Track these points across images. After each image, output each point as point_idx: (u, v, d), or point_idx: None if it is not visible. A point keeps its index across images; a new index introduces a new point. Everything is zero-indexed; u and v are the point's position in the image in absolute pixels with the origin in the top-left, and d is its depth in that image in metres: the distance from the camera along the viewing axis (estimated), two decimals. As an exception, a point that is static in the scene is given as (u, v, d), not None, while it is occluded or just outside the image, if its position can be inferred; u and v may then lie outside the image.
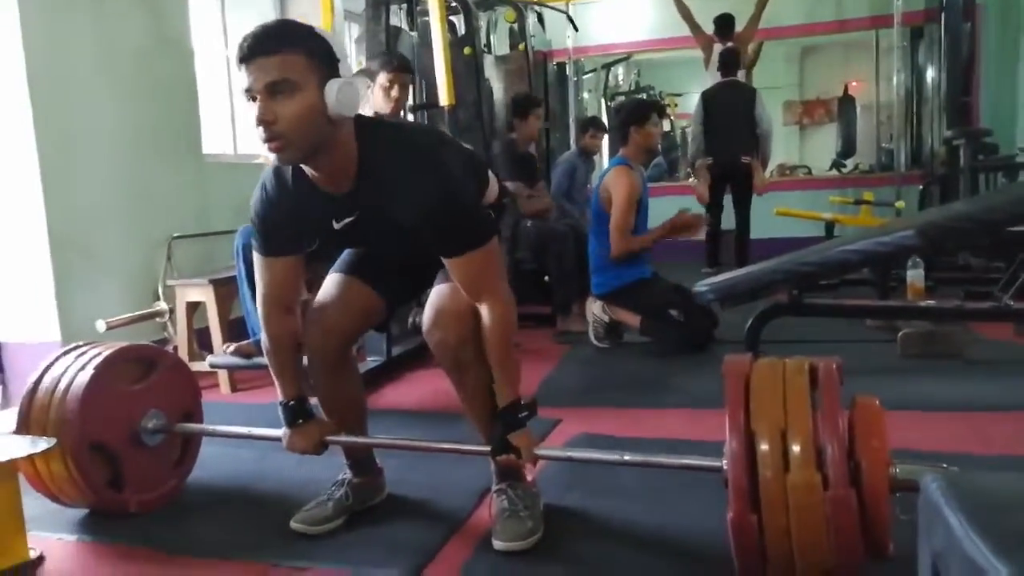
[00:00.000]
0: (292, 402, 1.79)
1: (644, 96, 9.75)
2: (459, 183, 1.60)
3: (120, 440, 1.97)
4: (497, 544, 1.70)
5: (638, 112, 3.67)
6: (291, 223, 1.64)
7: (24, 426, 1.90)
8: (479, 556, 1.69)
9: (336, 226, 1.65)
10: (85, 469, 1.87)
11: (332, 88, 1.44)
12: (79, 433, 1.86)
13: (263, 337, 1.78)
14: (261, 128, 1.46)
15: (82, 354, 2.00)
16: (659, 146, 3.78)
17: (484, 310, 1.64)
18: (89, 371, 1.91)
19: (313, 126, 1.46)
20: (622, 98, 9.58)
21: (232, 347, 2.93)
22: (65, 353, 2.02)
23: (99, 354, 1.98)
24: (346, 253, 1.90)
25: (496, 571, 1.63)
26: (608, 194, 3.57)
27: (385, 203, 1.58)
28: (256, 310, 2.89)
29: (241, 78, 1.45)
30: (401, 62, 3.22)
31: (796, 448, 1.29)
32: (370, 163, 1.56)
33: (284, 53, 1.42)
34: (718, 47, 6.06)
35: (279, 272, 1.72)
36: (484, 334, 1.65)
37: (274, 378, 1.79)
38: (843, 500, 1.24)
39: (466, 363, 1.69)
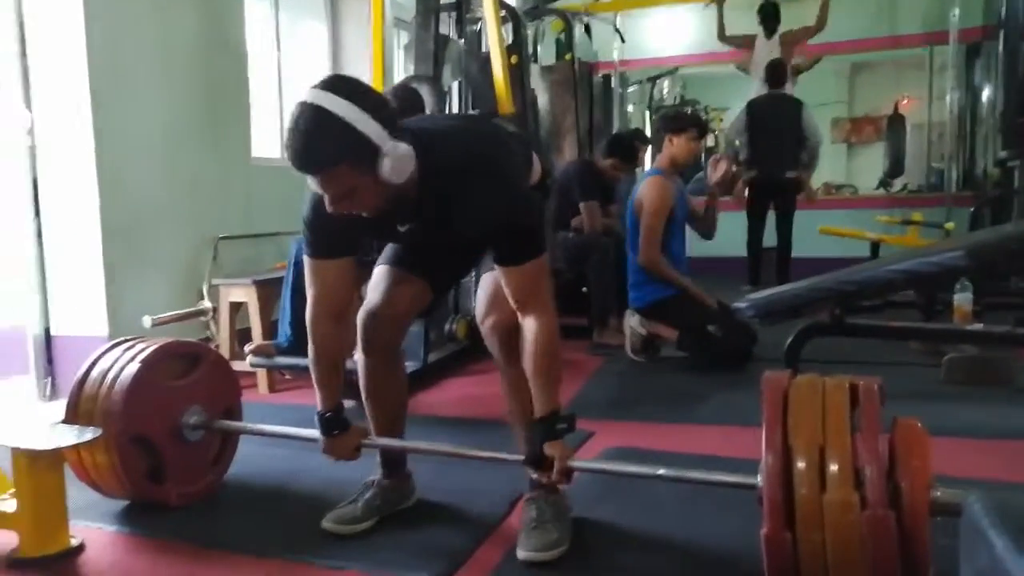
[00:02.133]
0: (329, 413, 1.81)
1: (689, 110, 9.72)
2: (519, 198, 1.63)
3: (162, 434, 2.01)
4: (520, 553, 1.70)
5: (676, 122, 3.65)
6: (348, 226, 1.61)
7: (72, 416, 1.96)
8: (508, 564, 1.69)
9: (401, 229, 1.70)
10: (127, 461, 1.92)
11: (385, 169, 1.46)
12: (123, 425, 1.91)
13: (310, 344, 1.78)
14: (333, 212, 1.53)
15: (129, 348, 2.05)
16: (690, 161, 3.70)
17: (528, 321, 1.66)
18: (135, 365, 1.97)
19: (382, 198, 1.53)
20: (666, 111, 9.57)
21: (252, 346, 2.99)
22: (113, 347, 2.08)
23: (145, 349, 2.03)
24: (390, 246, 1.94)
25: (525, 580, 1.63)
26: (641, 204, 3.57)
27: (447, 215, 1.62)
28: (289, 317, 2.97)
29: None
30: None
31: (834, 466, 1.27)
32: (431, 179, 1.58)
33: (327, 171, 1.45)
34: (762, 41, 6.00)
35: (330, 275, 1.73)
36: (525, 345, 1.67)
37: (315, 385, 1.81)
38: (881, 521, 1.21)
39: (517, 348, 1.71)
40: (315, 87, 1.45)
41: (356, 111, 1.43)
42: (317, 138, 1.42)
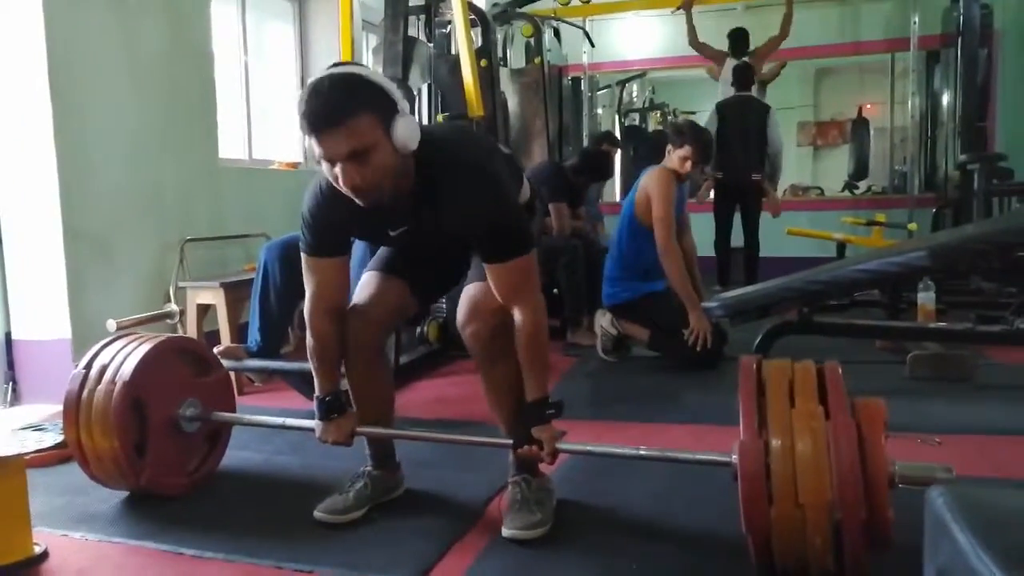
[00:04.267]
0: (329, 397, 1.88)
1: (658, 113, 9.80)
2: (509, 198, 1.70)
3: (158, 410, 2.05)
4: (505, 532, 1.78)
5: (677, 136, 3.55)
6: (344, 226, 1.70)
7: (83, 375, 2.00)
8: (480, 566, 1.69)
9: (392, 233, 1.76)
10: (122, 418, 1.93)
11: (399, 130, 1.52)
12: (128, 384, 1.94)
13: (309, 338, 1.83)
14: (345, 185, 1.55)
15: (139, 337, 2.12)
16: (682, 177, 3.61)
17: (517, 314, 1.74)
18: (158, 341, 2.06)
19: (391, 172, 1.57)
20: (635, 115, 9.63)
21: (221, 348, 2.95)
22: (119, 338, 2.13)
23: (167, 337, 2.17)
24: (382, 252, 1.99)
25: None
26: (646, 195, 3.51)
27: (439, 215, 1.67)
28: (259, 323, 2.95)
29: (313, 145, 1.52)
30: None
31: (801, 388, 1.43)
32: (426, 179, 1.64)
33: (351, 120, 1.48)
34: (731, 62, 6.07)
35: (327, 273, 1.79)
36: (516, 335, 1.74)
37: (314, 373, 1.87)
38: (844, 426, 1.33)
39: (496, 355, 1.79)
40: (327, 69, 1.53)
41: (372, 72, 1.53)
42: (341, 91, 1.48)
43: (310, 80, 1.51)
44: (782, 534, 1.37)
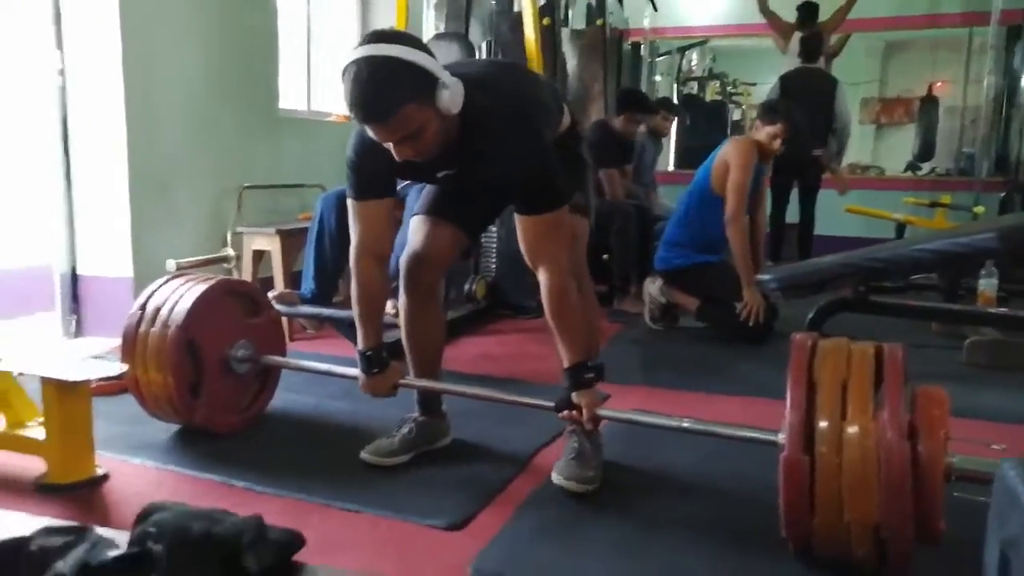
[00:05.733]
0: (370, 351, 1.88)
1: (717, 83, 9.58)
2: (547, 152, 1.68)
3: (211, 351, 2.11)
4: (556, 479, 1.82)
5: (768, 113, 3.50)
6: (389, 169, 1.70)
7: (138, 315, 2.07)
8: (519, 518, 1.71)
9: (438, 175, 1.77)
10: (176, 357, 2.00)
11: (443, 101, 1.52)
12: (182, 326, 2.01)
13: (353, 284, 1.85)
14: (399, 159, 1.58)
15: (193, 278, 2.20)
16: (769, 155, 3.51)
17: (541, 277, 1.73)
18: (210, 283, 2.11)
19: (440, 137, 1.59)
20: (694, 83, 9.43)
21: (275, 293, 3.00)
22: (174, 278, 2.19)
23: (216, 278, 2.21)
24: (427, 193, 2.00)
25: (536, 529, 1.65)
26: (724, 163, 3.46)
27: (481, 162, 1.68)
28: (313, 271, 3.00)
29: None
30: None
31: (856, 391, 1.33)
32: (471, 128, 1.63)
33: (397, 113, 1.48)
34: (798, 34, 5.88)
35: (373, 217, 1.80)
36: (543, 298, 1.73)
37: (357, 323, 1.87)
38: (896, 447, 1.25)
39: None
40: (360, 45, 1.50)
41: (407, 50, 1.49)
42: (383, 84, 1.47)
43: (348, 62, 1.49)
44: (823, 542, 1.35)
